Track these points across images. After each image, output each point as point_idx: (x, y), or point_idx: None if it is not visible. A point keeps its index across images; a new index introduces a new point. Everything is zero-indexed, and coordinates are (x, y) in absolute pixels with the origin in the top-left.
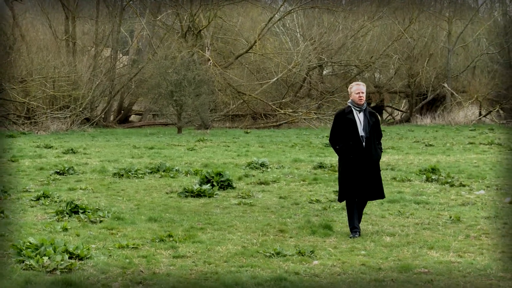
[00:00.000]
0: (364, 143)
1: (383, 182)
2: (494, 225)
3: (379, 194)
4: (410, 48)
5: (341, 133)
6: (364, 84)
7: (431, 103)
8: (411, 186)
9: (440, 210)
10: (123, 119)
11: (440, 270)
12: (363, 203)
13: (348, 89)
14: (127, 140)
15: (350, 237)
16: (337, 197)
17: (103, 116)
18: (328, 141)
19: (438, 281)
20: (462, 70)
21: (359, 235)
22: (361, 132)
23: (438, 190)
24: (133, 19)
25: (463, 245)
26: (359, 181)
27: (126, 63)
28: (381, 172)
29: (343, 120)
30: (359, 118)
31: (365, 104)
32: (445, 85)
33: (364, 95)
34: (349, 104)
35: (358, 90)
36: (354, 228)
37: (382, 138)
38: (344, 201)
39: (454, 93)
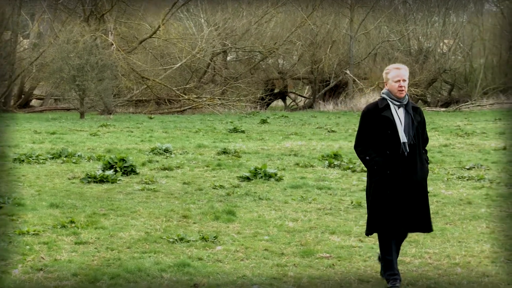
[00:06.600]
0: (407, 153)
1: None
2: None
3: (425, 225)
4: (313, 35)
5: (373, 138)
6: (406, 68)
7: (333, 89)
8: (314, 172)
9: (342, 195)
10: (24, 104)
11: (341, 255)
12: (403, 236)
13: (383, 75)
14: (28, 125)
15: (389, 287)
16: (239, 182)
17: (3, 100)
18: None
19: (340, 265)
20: (363, 57)
21: (400, 283)
22: (403, 138)
23: (340, 176)
24: (34, 2)
25: (364, 230)
26: (399, 207)
27: (27, 46)
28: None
29: (376, 119)
30: (399, 116)
31: (406, 97)
32: (347, 72)
33: (406, 83)
34: (384, 95)
35: (398, 76)
36: (392, 274)
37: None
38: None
39: (356, 79)
